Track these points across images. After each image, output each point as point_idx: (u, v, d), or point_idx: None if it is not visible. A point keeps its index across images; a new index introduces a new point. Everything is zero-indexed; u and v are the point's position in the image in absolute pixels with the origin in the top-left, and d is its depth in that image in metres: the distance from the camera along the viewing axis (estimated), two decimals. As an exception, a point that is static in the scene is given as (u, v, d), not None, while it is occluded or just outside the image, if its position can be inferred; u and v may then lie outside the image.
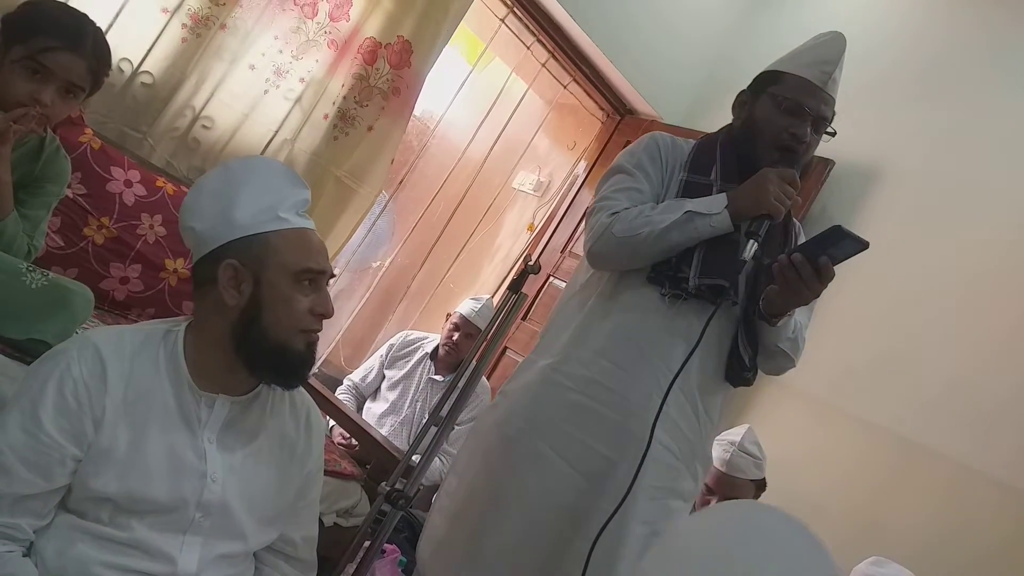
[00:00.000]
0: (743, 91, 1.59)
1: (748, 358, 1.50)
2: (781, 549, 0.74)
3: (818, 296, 1.39)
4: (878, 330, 2.71)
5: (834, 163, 2.91)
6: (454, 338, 3.05)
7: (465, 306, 3.11)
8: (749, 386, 1.59)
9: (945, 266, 2.65)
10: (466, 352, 3.05)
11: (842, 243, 1.31)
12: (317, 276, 1.17)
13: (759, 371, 1.58)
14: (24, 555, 1.04)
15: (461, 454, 1.70)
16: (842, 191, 2.96)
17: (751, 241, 1.37)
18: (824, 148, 2.75)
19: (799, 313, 1.52)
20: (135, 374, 1.11)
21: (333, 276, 1.23)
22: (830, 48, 1.50)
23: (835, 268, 1.35)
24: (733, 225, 1.43)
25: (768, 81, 1.53)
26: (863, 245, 1.31)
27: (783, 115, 1.48)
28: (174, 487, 1.11)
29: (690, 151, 1.59)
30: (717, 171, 1.54)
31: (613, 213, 1.51)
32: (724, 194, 1.46)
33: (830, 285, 1.37)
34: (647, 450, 1.40)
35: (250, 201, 1.14)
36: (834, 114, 1.53)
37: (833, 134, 1.54)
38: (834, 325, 2.58)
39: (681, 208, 1.45)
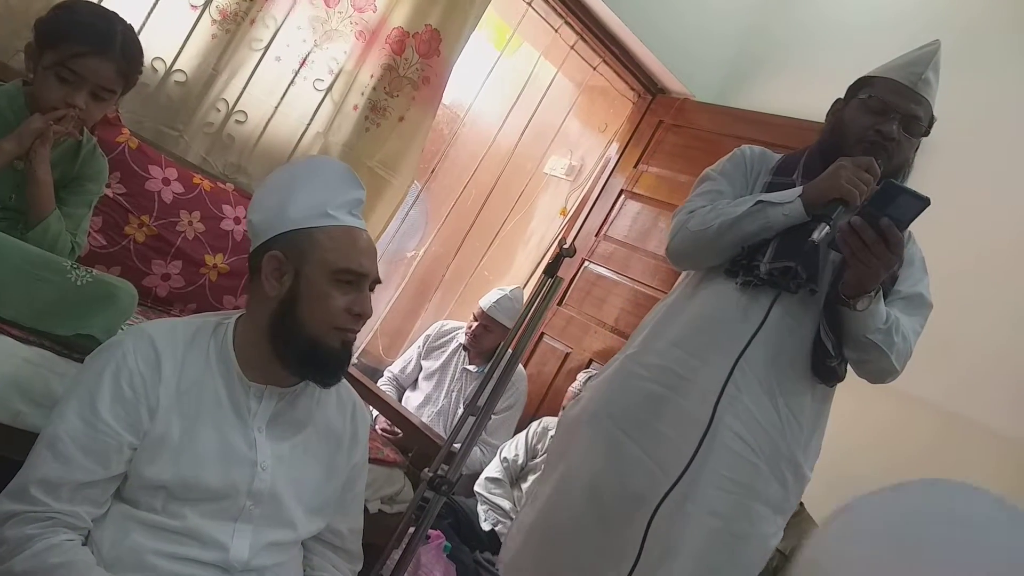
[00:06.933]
0: (837, 100, 1.58)
1: (831, 345, 1.41)
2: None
3: (890, 267, 1.31)
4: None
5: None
6: (472, 328, 3.06)
7: (485, 297, 3.10)
8: (841, 380, 1.48)
9: (992, 237, 2.57)
10: (486, 343, 3.05)
11: (899, 201, 1.26)
12: (358, 278, 1.18)
13: (853, 370, 1.49)
14: (83, 544, 1.06)
15: (552, 447, 1.74)
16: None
17: (822, 224, 1.32)
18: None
19: (905, 313, 1.45)
20: (187, 365, 1.14)
21: (378, 282, 1.23)
22: (922, 52, 1.48)
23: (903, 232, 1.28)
24: (808, 214, 1.39)
25: (858, 87, 1.53)
26: (924, 202, 1.26)
27: (869, 114, 1.46)
28: (226, 474, 1.13)
29: (778, 159, 1.60)
30: (800, 172, 1.52)
31: (691, 212, 1.54)
32: (800, 187, 1.44)
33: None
34: (707, 430, 1.37)
35: (304, 198, 1.18)
36: (933, 118, 1.50)
37: (927, 135, 1.51)
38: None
39: (753, 199, 1.46)
